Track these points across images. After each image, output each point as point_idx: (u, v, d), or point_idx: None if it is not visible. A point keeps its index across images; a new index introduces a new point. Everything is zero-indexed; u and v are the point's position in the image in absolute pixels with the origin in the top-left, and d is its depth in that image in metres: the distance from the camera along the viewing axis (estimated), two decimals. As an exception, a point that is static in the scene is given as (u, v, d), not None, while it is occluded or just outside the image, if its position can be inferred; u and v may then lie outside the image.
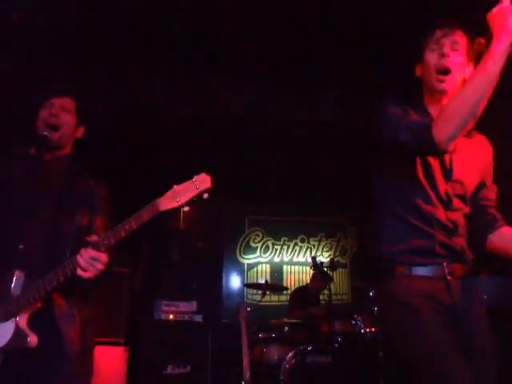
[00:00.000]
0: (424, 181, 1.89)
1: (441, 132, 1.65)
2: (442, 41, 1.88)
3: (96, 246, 1.88)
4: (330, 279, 5.12)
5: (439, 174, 1.91)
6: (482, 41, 1.77)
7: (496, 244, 2.01)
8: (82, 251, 1.88)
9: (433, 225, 1.86)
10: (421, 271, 1.83)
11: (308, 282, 6.00)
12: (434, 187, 1.89)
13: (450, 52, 1.86)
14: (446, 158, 1.92)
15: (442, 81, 1.87)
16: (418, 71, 2.01)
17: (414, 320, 1.77)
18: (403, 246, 1.86)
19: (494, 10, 1.62)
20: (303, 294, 5.78)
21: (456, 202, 1.93)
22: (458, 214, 1.94)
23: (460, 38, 1.88)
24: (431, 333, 1.73)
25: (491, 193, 2.07)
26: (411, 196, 1.89)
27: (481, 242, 2.03)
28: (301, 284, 6.91)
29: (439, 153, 1.77)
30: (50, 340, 1.96)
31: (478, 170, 2.02)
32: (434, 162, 1.91)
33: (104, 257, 1.90)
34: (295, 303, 5.70)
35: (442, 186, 1.90)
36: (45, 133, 2.19)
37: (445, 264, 1.83)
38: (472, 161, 1.99)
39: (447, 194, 1.90)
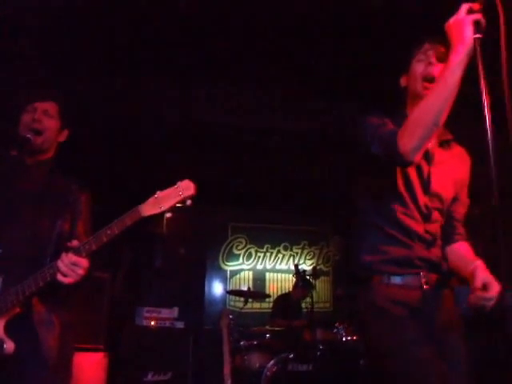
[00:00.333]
0: (404, 193, 1.92)
1: (405, 143, 1.68)
2: (429, 52, 1.94)
3: (77, 251, 1.86)
4: (313, 287, 5.13)
5: (418, 187, 1.93)
6: (442, 49, 1.83)
7: (448, 257, 2.02)
8: (63, 256, 1.86)
9: (412, 237, 1.90)
10: (398, 280, 1.86)
11: (290, 289, 6.02)
12: (414, 200, 1.92)
13: (437, 62, 1.92)
14: (425, 170, 1.95)
15: (428, 88, 1.90)
16: (403, 81, 2.07)
17: (390, 330, 1.80)
18: (382, 256, 1.89)
19: (451, 20, 1.62)
20: (285, 302, 5.79)
21: (435, 215, 1.96)
22: (436, 226, 1.98)
23: (446, 51, 1.91)
24: (407, 344, 1.75)
25: (461, 207, 2.10)
26: (391, 208, 1.92)
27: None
28: (283, 292, 6.91)
29: (405, 163, 1.79)
30: (28, 346, 1.93)
31: (454, 183, 2.05)
32: (412, 175, 1.93)
33: (85, 262, 1.87)
34: (277, 311, 5.70)
35: (422, 199, 1.93)
36: (27, 135, 2.16)
37: (422, 274, 1.86)
38: (450, 174, 2.02)
39: (427, 206, 1.93)
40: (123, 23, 4.16)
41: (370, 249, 1.94)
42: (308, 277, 5.25)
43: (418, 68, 1.96)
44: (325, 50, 4.48)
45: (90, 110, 4.68)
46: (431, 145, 1.96)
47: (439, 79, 1.66)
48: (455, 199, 2.06)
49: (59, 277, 1.86)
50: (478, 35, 1.52)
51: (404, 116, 1.98)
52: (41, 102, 2.26)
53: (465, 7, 1.56)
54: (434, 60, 1.92)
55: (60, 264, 1.85)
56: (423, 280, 1.85)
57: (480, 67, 1.40)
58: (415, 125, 1.68)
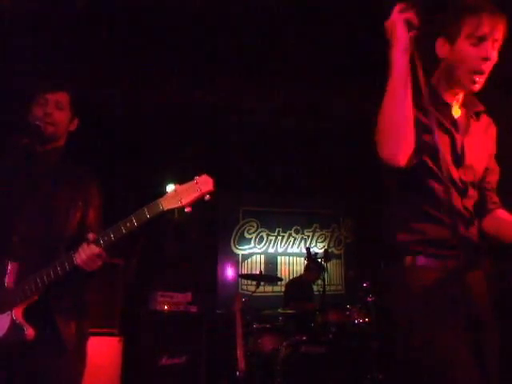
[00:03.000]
0: (436, 168, 1.81)
1: (383, 150, 1.68)
2: (487, 38, 1.75)
3: (96, 243, 1.89)
4: (324, 270, 5.14)
5: (451, 161, 1.85)
6: (501, 34, 1.75)
7: (488, 228, 1.95)
8: (84, 246, 1.90)
9: (451, 215, 1.78)
10: (436, 262, 1.78)
11: (302, 272, 6.04)
12: (449, 175, 1.81)
13: (492, 54, 1.77)
14: (458, 142, 1.87)
15: (477, 82, 1.80)
16: (443, 50, 1.86)
17: (424, 316, 1.72)
18: (419, 236, 1.81)
19: (388, 20, 1.65)
20: (297, 286, 5.81)
21: (470, 190, 1.88)
22: (471, 202, 1.90)
23: (500, 35, 1.78)
24: (440, 332, 1.69)
25: (493, 175, 2.02)
26: (428, 185, 1.83)
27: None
28: (295, 275, 6.94)
29: (398, 168, 1.73)
30: (47, 333, 1.97)
31: (486, 154, 1.97)
32: (445, 148, 1.82)
33: (103, 254, 1.91)
34: (289, 296, 5.73)
35: (455, 174, 1.84)
36: (37, 123, 2.16)
37: (461, 255, 1.75)
38: (481, 144, 1.94)
39: (462, 181, 1.85)
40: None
41: (405, 228, 1.84)
42: (319, 260, 5.26)
43: (472, 54, 1.76)
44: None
45: (102, 99, 4.69)
46: (463, 116, 1.91)
47: (389, 78, 1.66)
48: (487, 169, 1.98)
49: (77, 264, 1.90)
50: (411, 33, 1.62)
51: (437, 92, 1.90)
52: (52, 92, 2.25)
53: (398, 7, 1.62)
54: (491, 54, 1.75)
55: (79, 255, 1.89)
56: (462, 261, 1.76)
57: (417, 63, 1.62)
58: (383, 130, 1.68)
